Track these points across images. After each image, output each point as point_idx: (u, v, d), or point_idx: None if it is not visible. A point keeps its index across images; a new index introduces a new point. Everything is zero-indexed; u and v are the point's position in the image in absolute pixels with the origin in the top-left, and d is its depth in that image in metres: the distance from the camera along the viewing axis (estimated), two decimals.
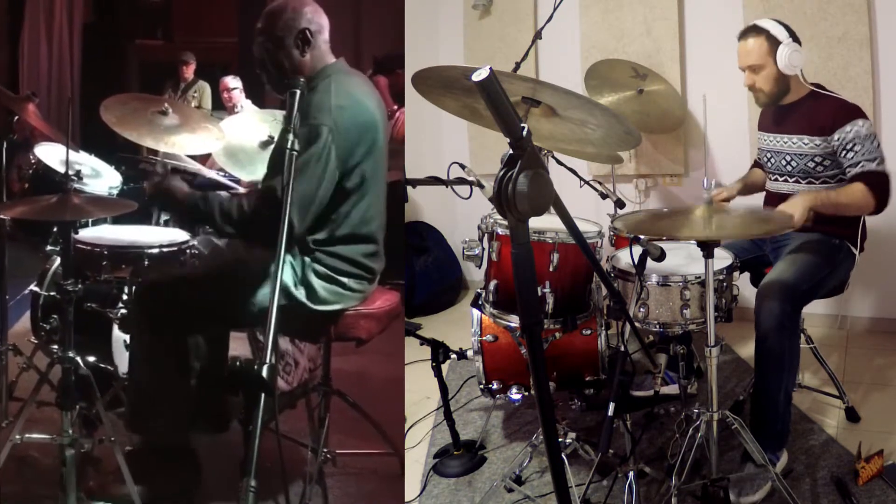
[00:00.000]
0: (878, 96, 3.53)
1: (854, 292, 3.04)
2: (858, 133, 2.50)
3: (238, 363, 2.48)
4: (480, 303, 2.61)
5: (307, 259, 2.21)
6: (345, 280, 2.23)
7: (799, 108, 2.65)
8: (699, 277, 2.29)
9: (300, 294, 2.19)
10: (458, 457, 2.71)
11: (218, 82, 5.38)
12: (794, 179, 2.69)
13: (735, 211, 2.20)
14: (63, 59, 6.29)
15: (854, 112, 2.55)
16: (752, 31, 2.61)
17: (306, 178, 2.07)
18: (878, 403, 2.96)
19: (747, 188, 2.96)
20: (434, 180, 2.19)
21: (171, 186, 2.22)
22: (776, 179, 2.78)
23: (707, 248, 2.11)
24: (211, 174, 2.99)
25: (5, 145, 2.67)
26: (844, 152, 2.53)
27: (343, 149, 2.13)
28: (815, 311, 3.57)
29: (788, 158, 2.69)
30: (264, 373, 1.50)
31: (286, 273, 2.16)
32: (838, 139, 2.53)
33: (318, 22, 2.24)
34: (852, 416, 2.83)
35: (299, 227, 2.11)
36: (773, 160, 2.77)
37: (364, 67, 4.75)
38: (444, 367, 2.75)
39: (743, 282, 2.53)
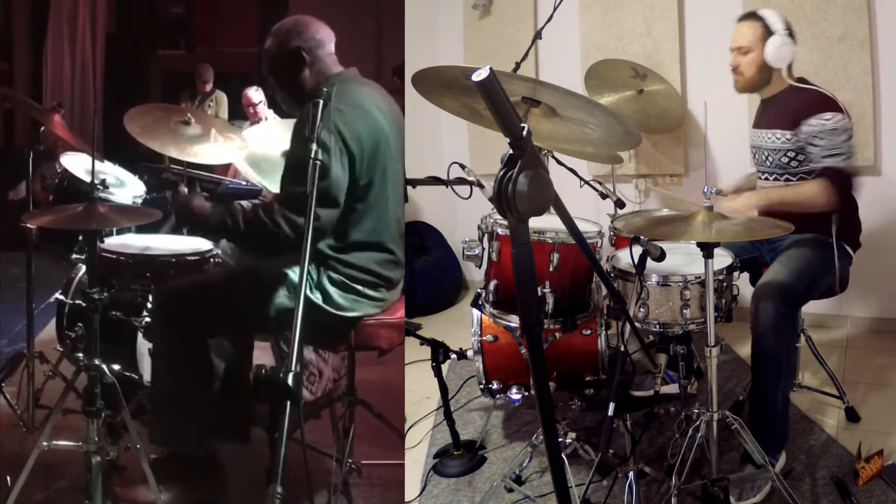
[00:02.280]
0: (878, 96, 3.53)
1: (854, 292, 3.04)
2: (824, 126, 2.49)
3: (263, 371, 2.48)
4: (480, 303, 2.61)
5: (321, 266, 2.22)
6: (359, 287, 2.24)
7: (776, 103, 2.67)
8: (699, 277, 2.29)
9: (317, 298, 2.19)
10: (458, 457, 2.71)
11: (239, 91, 5.40)
12: (773, 177, 2.69)
13: (734, 217, 2.20)
14: (86, 69, 6.34)
15: (825, 104, 2.53)
16: (752, 16, 2.65)
17: (322, 185, 2.08)
18: (878, 403, 2.96)
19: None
20: (434, 180, 2.19)
21: (195, 205, 2.25)
22: (759, 177, 2.79)
23: (707, 248, 2.11)
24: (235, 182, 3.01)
25: (31, 155, 2.69)
26: (809, 146, 2.52)
27: (346, 155, 2.13)
28: (816, 311, 3.57)
29: (766, 154, 2.70)
30: (290, 380, 1.51)
31: None
32: (805, 132, 2.52)
33: (317, 38, 2.27)
34: (852, 416, 2.83)
35: (318, 235, 2.13)
36: (756, 157, 2.79)
37: (386, 75, 4.76)
38: (444, 367, 2.75)
39: (742, 282, 2.53)
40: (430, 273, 4.58)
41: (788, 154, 2.61)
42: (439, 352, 2.71)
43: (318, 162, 1.79)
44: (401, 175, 2.35)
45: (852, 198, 2.66)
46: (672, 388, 2.73)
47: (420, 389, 3.19)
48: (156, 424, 2.34)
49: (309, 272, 2.19)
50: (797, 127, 2.54)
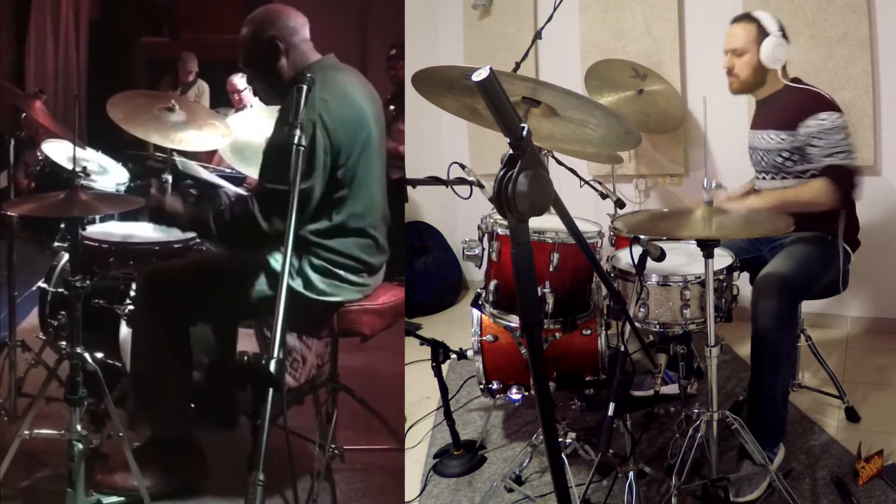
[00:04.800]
0: (878, 96, 3.53)
1: (854, 292, 3.04)
2: (822, 126, 2.48)
3: (245, 358, 2.49)
4: (480, 303, 2.61)
5: (302, 252, 2.22)
6: (341, 272, 2.24)
7: (770, 103, 2.67)
8: (699, 277, 2.29)
9: (296, 284, 2.19)
10: (458, 457, 2.71)
11: (224, 79, 5.39)
12: (769, 176, 2.70)
13: (735, 212, 2.20)
14: (69, 56, 6.28)
15: (821, 104, 2.52)
16: (745, 17, 2.65)
17: (307, 185, 2.08)
18: (878, 403, 2.96)
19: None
20: (434, 180, 2.19)
21: (169, 204, 2.24)
22: (756, 176, 2.80)
23: (707, 247, 2.11)
24: (212, 177, 3.00)
25: (13, 142, 2.68)
26: (809, 147, 2.52)
27: (332, 141, 2.13)
28: (815, 311, 3.57)
29: (761, 154, 2.70)
30: (272, 367, 1.51)
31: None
32: (803, 133, 2.52)
33: (290, 25, 2.25)
34: (852, 416, 2.83)
35: (299, 223, 2.12)
36: (752, 157, 2.79)
37: (372, 61, 4.74)
38: (444, 367, 2.75)
39: (742, 282, 2.53)
40: (430, 273, 4.58)
41: (783, 154, 2.61)
42: (439, 352, 2.71)
43: (302, 148, 1.79)
44: (383, 160, 2.35)
45: (850, 197, 2.66)
46: (672, 388, 2.72)
47: (420, 389, 3.19)
48: (134, 408, 2.34)
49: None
50: (794, 128, 2.54)
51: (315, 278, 2.21)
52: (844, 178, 2.50)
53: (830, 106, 2.52)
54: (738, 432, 2.22)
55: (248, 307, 2.24)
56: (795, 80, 2.66)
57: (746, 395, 2.55)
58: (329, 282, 2.23)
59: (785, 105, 2.61)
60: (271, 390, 1.51)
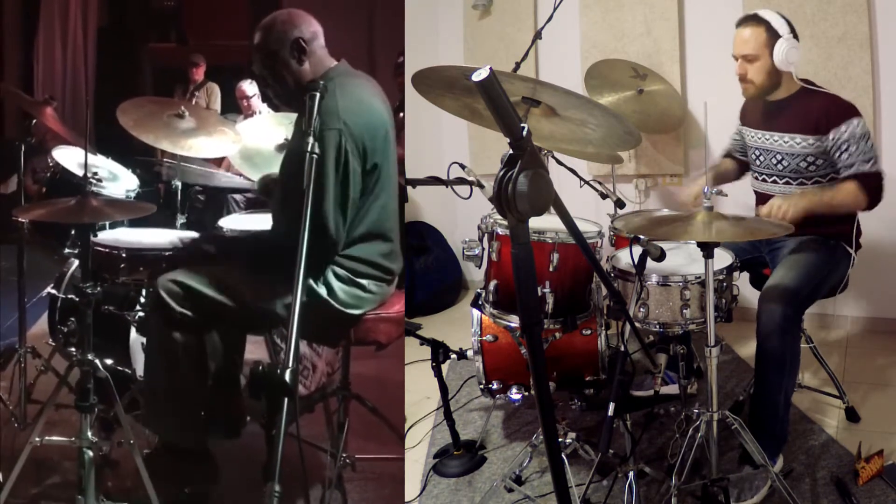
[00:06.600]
0: (878, 96, 3.53)
1: (854, 292, 3.05)
2: (853, 133, 2.47)
3: (260, 367, 2.47)
4: (480, 303, 2.61)
5: (327, 261, 2.21)
6: (364, 282, 2.23)
7: (790, 106, 2.61)
8: (699, 277, 2.29)
9: (322, 291, 2.18)
10: (458, 457, 2.71)
11: (232, 84, 5.40)
12: (784, 181, 2.66)
13: (735, 217, 2.19)
14: (77, 62, 6.30)
15: (848, 110, 2.51)
16: (753, 19, 2.55)
17: (339, 186, 2.08)
18: (878, 403, 2.96)
19: (718, 179, 2.92)
20: (434, 180, 2.19)
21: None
22: (765, 180, 2.74)
23: (707, 248, 2.11)
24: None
25: (23, 148, 2.68)
26: (838, 153, 2.50)
27: (359, 149, 2.12)
28: (816, 311, 3.57)
29: (779, 157, 2.65)
30: (287, 377, 1.50)
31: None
32: (833, 139, 2.49)
33: (311, 29, 2.24)
34: (852, 416, 2.83)
35: (337, 236, 2.13)
36: (762, 158, 2.73)
37: (380, 67, 4.75)
38: (444, 367, 2.75)
39: (742, 282, 2.53)
40: (430, 273, 4.58)
41: (808, 159, 2.58)
42: (439, 352, 2.71)
43: (315, 155, 1.78)
44: (395, 162, 2.34)
45: (877, 200, 2.62)
46: (672, 388, 2.73)
47: (420, 389, 3.19)
48: (148, 412, 2.32)
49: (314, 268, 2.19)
50: (823, 132, 2.51)
51: (338, 287, 2.19)
52: (875, 183, 2.49)
53: (855, 111, 2.51)
54: (738, 432, 2.22)
55: (276, 316, 2.20)
56: (806, 81, 2.62)
57: (748, 399, 2.55)
58: (352, 292, 2.21)
59: (809, 108, 2.56)
60: (286, 400, 1.51)
